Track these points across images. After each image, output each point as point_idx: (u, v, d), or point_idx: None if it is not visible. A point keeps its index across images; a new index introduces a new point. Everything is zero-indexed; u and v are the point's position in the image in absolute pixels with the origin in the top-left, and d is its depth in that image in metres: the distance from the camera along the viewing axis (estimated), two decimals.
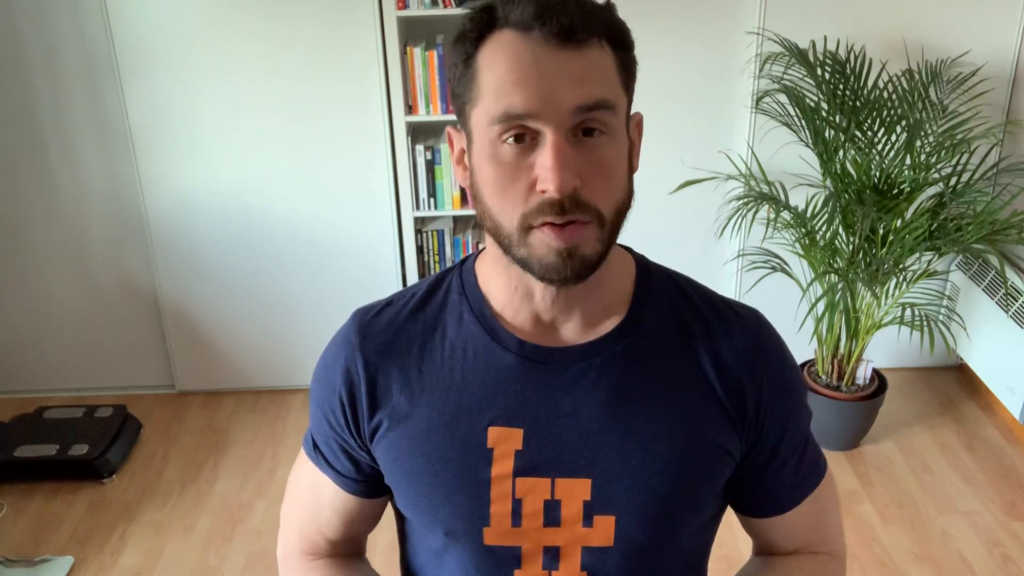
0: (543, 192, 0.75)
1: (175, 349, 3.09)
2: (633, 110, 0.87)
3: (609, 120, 0.77)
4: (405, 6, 2.61)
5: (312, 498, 0.98)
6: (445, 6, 2.60)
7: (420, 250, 2.93)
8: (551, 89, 0.74)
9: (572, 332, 0.87)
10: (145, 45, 2.68)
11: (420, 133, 2.87)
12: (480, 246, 0.92)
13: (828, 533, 0.99)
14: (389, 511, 1.01)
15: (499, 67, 0.76)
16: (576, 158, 0.75)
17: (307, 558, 1.01)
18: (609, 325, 0.88)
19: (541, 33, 0.74)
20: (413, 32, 2.79)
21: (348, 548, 1.02)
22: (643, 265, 0.93)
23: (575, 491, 0.85)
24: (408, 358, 0.89)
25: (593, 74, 0.76)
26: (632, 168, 0.84)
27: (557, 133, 0.74)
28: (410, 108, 2.73)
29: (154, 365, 3.15)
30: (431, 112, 2.73)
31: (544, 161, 0.75)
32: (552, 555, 0.87)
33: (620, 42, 0.79)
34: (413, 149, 2.77)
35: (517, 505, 0.86)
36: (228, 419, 3.01)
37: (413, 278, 2.96)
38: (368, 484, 0.95)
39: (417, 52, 2.65)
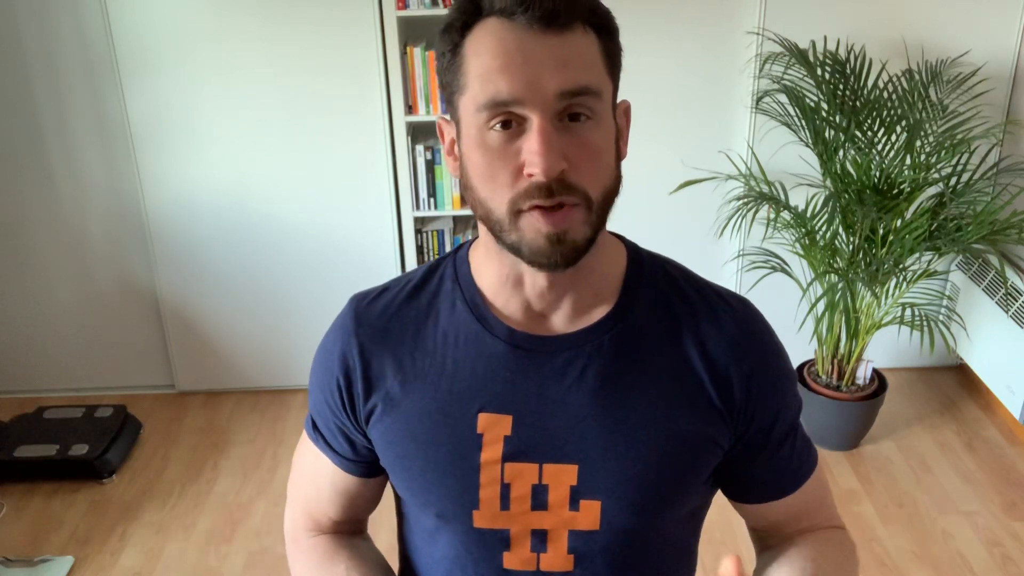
0: (531, 176, 0.77)
1: (175, 349, 3.09)
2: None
3: (594, 105, 0.78)
4: (405, 6, 2.62)
5: (314, 477, 1.01)
6: (445, 6, 2.60)
7: (420, 250, 2.93)
8: (536, 74, 0.75)
9: (562, 321, 0.89)
10: (145, 45, 2.68)
11: (420, 133, 2.87)
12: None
13: (832, 510, 1.01)
14: (387, 493, 1.03)
15: (485, 54, 0.77)
16: (562, 142, 0.76)
17: (310, 534, 1.03)
18: (598, 314, 0.89)
19: (525, 18, 0.75)
20: (413, 32, 2.79)
21: (350, 527, 1.05)
22: (634, 253, 0.94)
23: (562, 476, 0.87)
24: (402, 344, 0.91)
25: (577, 59, 0.77)
26: (620, 155, 0.85)
27: (543, 118, 0.76)
28: (410, 108, 2.73)
29: (154, 365, 3.15)
30: (431, 112, 2.73)
31: (531, 145, 0.76)
32: (540, 538, 0.89)
33: (604, 28, 0.80)
34: (413, 149, 2.77)
35: (505, 489, 0.88)
36: (228, 419, 3.01)
37: None
38: (366, 465, 0.97)
39: (417, 52, 2.65)
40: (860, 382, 2.70)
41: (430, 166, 2.79)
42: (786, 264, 2.72)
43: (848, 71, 2.53)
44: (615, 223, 0.85)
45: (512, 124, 0.77)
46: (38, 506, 2.58)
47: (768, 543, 1.02)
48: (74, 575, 2.32)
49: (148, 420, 2.99)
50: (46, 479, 2.68)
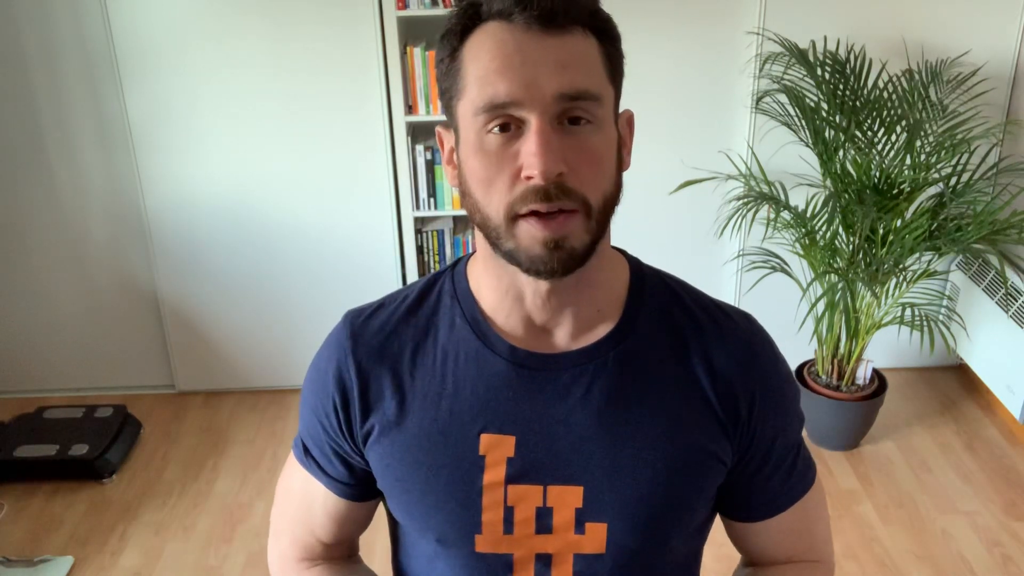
0: (528, 179, 0.75)
1: (175, 349, 3.09)
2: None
3: (594, 110, 0.76)
4: (405, 6, 2.62)
5: (304, 503, 0.98)
6: (445, 6, 2.60)
7: (420, 250, 2.93)
8: (534, 76, 0.74)
9: (564, 337, 0.86)
10: (145, 45, 2.68)
11: (420, 133, 2.87)
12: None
13: (816, 540, 0.99)
14: (381, 512, 1.02)
15: (483, 56, 0.75)
16: (562, 145, 0.75)
17: (302, 564, 1.00)
18: (602, 330, 0.87)
19: (523, 19, 0.74)
20: (413, 32, 2.79)
21: (341, 550, 1.02)
22: (637, 268, 0.92)
23: (567, 498, 0.85)
24: (400, 363, 0.88)
25: (576, 62, 0.75)
26: (622, 164, 0.83)
27: (541, 119, 0.74)
28: (410, 108, 2.73)
29: (154, 365, 3.15)
30: (431, 112, 2.73)
31: (528, 147, 0.74)
32: (544, 562, 0.87)
33: (605, 33, 0.79)
34: (413, 149, 2.77)
35: (509, 512, 0.85)
36: (228, 419, 3.01)
37: (413, 278, 2.96)
38: (361, 487, 0.94)
39: (417, 52, 2.65)
40: (860, 382, 2.70)
41: (430, 166, 2.79)
42: (786, 264, 2.72)
43: (848, 71, 2.53)
44: (615, 223, 0.84)
45: (511, 127, 0.75)
46: (38, 506, 2.58)
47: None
48: (74, 575, 2.32)
49: (148, 420, 2.99)
50: (46, 479, 2.67)
